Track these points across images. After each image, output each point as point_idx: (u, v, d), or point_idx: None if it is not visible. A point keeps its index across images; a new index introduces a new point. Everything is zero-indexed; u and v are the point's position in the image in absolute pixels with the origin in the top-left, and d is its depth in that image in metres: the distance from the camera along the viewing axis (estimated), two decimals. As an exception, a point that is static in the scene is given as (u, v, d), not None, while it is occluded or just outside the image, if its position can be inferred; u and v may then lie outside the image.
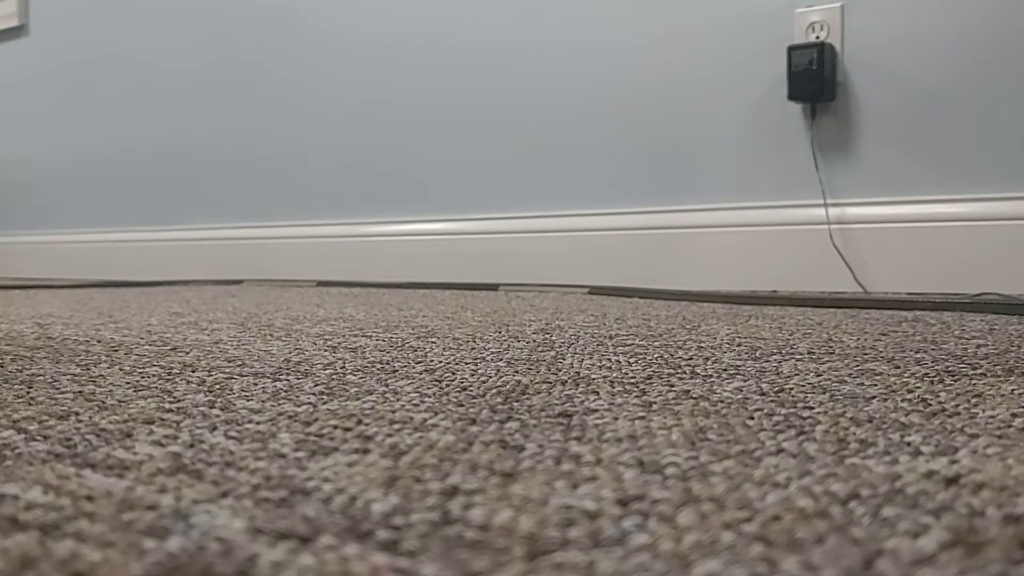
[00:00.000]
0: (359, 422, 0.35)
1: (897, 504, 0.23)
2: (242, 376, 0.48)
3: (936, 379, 0.45)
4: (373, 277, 1.86)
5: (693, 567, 0.19)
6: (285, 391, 0.42)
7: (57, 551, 0.20)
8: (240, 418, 0.36)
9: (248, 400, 0.40)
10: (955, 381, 0.44)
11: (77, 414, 0.37)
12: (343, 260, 1.90)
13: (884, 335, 0.67)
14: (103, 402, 0.40)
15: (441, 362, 0.53)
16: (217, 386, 0.44)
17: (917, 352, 0.57)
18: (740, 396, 0.40)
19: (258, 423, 0.35)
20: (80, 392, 0.42)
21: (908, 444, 0.30)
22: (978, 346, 0.60)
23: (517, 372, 0.49)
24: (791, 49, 1.33)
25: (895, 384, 0.44)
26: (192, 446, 0.31)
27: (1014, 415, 0.35)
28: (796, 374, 0.47)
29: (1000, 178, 1.25)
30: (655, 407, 0.38)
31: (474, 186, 1.73)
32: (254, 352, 0.59)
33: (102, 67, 2.33)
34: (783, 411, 0.37)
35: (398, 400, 0.40)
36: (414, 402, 0.39)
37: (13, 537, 0.21)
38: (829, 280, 1.36)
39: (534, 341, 0.65)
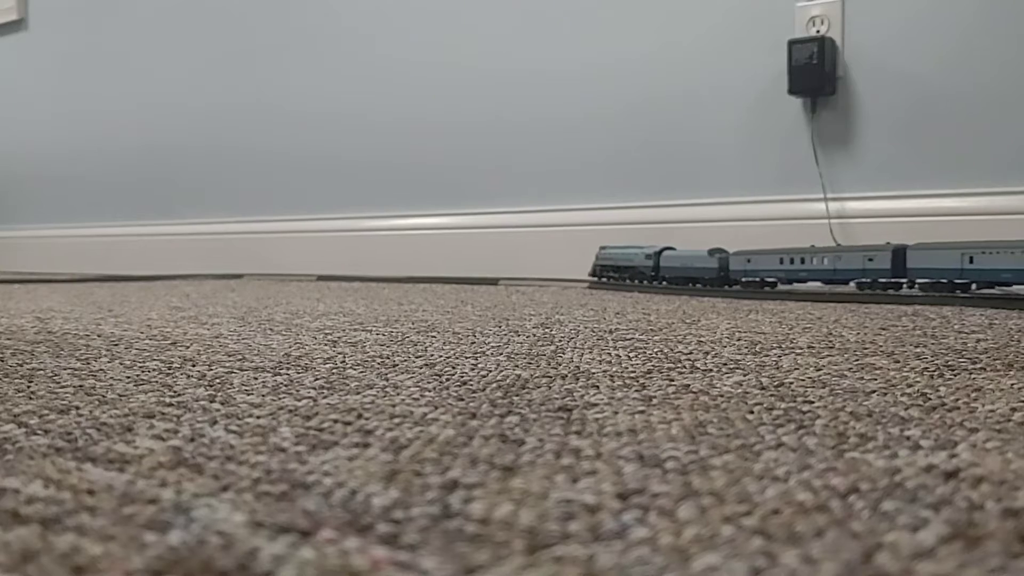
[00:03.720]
0: (359, 416, 0.35)
1: (896, 498, 0.23)
2: (242, 370, 0.48)
3: (936, 373, 0.45)
4: (373, 271, 1.86)
5: (693, 561, 0.19)
6: (285, 385, 0.42)
7: (58, 545, 0.20)
8: (240, 412, 0.36)
9: (248, 394, 0.40)
10: (955, 375, 0.44)
11: (78, 408, 0.37)
12: (343, 254, 1.90)
13: (884, 329, 0.67)
14: (103, 396, 0.40)
15: (441, 356, 0.53)
16: (217, 380, 0.44)
17: (917, 347, 0.57)
18: (740, 390, 0.40)
19: (258, 417, 0.35)
20: (80, 386, 0.42)
21: (908, 438, 0.30)
22: (978, 340, 0.60)
23: (517, 366, 0.49)
24: (791, 43, 1.33)
25: (895, 378, 0.44)
26: (193, 440, 0.31)
27: (1013, 409, 0.35)
28: (796, 368, 0.47)
29: (1001, 172, 1.24)
30: (655, 401, 0.38)
31: (475, 180, 1.73)
32: (254, 346, 0.59)
33: (102, 61, 2.33)
34: (783, 405, 0.37)
35: (398, 394, 0.40)
36: (414, 396, 0.39)
37: (14, 531, 0.21)
38: (829, 274, 1.36)
39: (534, 335, 0.65)
